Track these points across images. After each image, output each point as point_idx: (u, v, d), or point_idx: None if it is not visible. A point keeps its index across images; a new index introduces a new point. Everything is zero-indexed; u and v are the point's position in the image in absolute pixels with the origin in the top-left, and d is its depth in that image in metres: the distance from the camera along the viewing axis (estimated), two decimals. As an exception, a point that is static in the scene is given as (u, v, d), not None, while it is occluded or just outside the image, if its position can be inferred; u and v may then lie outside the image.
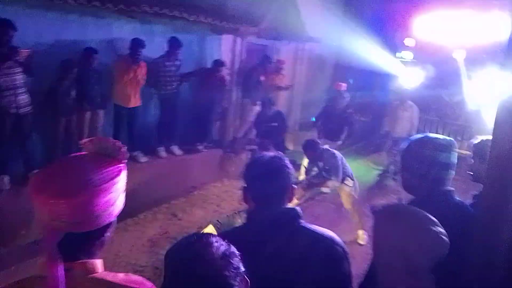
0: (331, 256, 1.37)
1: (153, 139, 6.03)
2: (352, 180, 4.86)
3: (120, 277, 1.00)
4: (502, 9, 6.69)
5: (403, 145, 1.71)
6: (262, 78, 6.98)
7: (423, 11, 7.95)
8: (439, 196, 1.59)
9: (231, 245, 1.02)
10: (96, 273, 0.98)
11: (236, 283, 0.93)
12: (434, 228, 1.29)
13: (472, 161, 2.01)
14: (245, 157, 6.63)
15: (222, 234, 1.57)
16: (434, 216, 1.33)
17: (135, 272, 3.68)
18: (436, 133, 8.34)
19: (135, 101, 5.43)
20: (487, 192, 1.39)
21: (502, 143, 1.28)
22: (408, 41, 8.93)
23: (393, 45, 9.59)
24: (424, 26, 8.11)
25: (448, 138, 1.64)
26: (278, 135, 6.37)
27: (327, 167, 4.74)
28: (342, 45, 10.28)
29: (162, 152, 6.00)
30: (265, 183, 1.40)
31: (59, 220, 0.92)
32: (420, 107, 7.47)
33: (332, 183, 4.77)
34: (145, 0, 5.11)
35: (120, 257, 3.94)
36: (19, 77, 4.15)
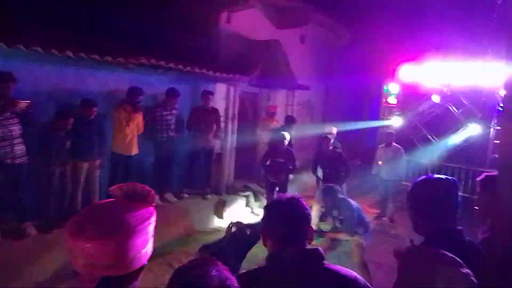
0: None
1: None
2: (367, 231, 4.58)
3: None
4: (495, 57, 6.88)
5: (409, 188, 1.75)
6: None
7: (406, 59, 8.39)
8: (449, 236, 1.60)
9: (232, 277, 1.01)
10: None
11: None
12: (462, 270, 1.29)
13: (477, 197, 2.06)
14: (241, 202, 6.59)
15: (245, 274, 1.55)
16: None
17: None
18: (424, 174, 8.50)
19: (134, 149, 5.47)
20: (497, 227, 1.42)
21: (509, 178, 1.33)
22: (391, 87, 9.32)
23: (379, 90, 10.00)
24: (407, 73, 8.51)
25: (450, 178, 1.68)
26: (287, 172, 6.30)
27: (341, 217, 4.48)
28: (329, 92, 10.71)
29: (156, 200, 5.93)
30: (285, 225, 1.41)
31: (96, 264, 0.92)
32: (408, 150, 7.65)
33: (343, 236, 4.52)
34: (143, 53, 5.31)
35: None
36: (16, 128, 4.16)
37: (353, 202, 4.60)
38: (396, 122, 8.90)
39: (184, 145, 6.42)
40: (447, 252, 1.35)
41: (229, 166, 7.07)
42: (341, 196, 4.70)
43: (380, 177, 7.47)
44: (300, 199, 1.50)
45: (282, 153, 6.25)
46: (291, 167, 6.24)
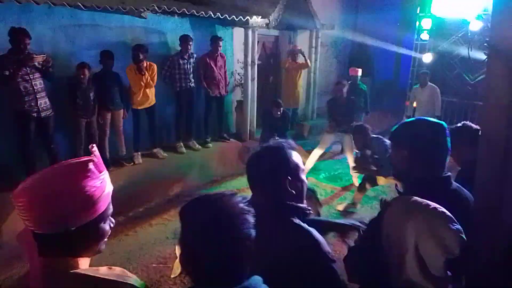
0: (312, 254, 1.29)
1: (171, 135, 6.18)
2: None
3: (102, 271, 1.01)
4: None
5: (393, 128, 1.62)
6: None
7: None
8: (433, 183, 1.48)
9: (251, 211, 1.07)
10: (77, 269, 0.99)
11: (247, 242, 1.02)
12: (452, 226, 1.22)
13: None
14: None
15: None
16: None
17: (159, 263, 3.79)
18: (457, 115, 8.05)
19: (150, 101, 5.56)
20: (480, 175, 1.36)
21: (489, 126, 1.26)
22: (424, 23, 8.64)
23: (412, 27, 9.32)
24: (441, 5, 7.81)
25: (440, 121, 1.55)
26: (283, 132, 6.23)
27: (376, 157, 4.30)
28: (357, 31, 10.12)
29: (181, 147, 6.13)
30: (261, 174, 1.37)
31: (27, 220, 0.94)
32: (440, 89, 7.23)
33: (383, 180, 4.33)
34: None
35: (144, 249, 4.06)
36: (38, 82, 4.34)
37: (386, 140, 4.28)
38: (426, 58, 8.33)
39: (201, 93, 6.45)
40: (437, 206, 1.29)
41: (251, 113, 7.04)
42: (373, 135, 4.52)
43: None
44: (285, 149, 1.39)
45: (279, 118, 6.02)
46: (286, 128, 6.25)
